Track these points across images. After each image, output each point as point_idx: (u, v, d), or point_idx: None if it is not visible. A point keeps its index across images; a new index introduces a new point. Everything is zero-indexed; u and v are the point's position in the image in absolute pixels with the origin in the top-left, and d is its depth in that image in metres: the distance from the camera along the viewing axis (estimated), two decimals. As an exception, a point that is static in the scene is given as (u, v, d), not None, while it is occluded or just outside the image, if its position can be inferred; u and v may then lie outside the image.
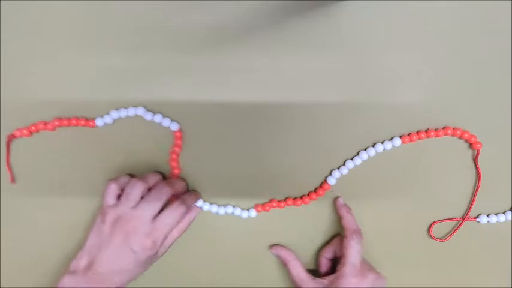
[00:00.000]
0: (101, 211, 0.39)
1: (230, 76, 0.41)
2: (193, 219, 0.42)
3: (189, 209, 0.40)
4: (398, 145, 0.42)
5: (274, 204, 0.43)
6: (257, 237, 0.44)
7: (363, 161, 0.42)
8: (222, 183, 0.44)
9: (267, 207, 0.43)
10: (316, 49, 0.40)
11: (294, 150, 0.43)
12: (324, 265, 0.43)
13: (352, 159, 0.42)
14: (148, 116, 0.42)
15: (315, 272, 0.43)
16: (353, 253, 0.39)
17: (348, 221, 0.41)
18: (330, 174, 0.43)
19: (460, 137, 0.42)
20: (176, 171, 0.43)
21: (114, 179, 0.39)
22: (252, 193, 0.44)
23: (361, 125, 0.42)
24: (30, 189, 0.44)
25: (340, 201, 0.43)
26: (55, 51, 0.41)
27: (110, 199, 0.38)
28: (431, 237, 0.44)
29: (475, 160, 0.42)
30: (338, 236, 0.44)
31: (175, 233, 0.40)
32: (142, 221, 0.36)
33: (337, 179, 0.43)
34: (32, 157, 0.43)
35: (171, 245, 0.41)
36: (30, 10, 0.40)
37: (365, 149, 0.42)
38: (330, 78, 0.41)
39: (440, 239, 0.44)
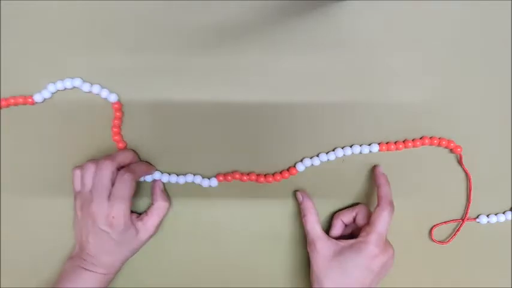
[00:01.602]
0: (74, 198, 0.40)
1: (230, 76, 0.41)
2: (169, 201, 0.42)
3: (135, 174, 0.39)
4: (375, 151, 0.42)
5: (237, 176, 0.43)
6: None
7: (339, 160, 0.42)
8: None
9: (229, 178, 0.43)
10: (316, 49, 0.40)
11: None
12: (339, 227, 0.42)
13: (327, 153, 0.42)
14: (86, 87, 0.41)
15: None
16: (383, 223, 0.38)
17: (385, 190, 0.40)
18: (301, 161, 0.43)
19: (439, 145, 0.42)
20: (121, 145, 0.42)
21: (79, 165, 0.39)
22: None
23: (359, 125, 0.42)
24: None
25: (380, 169, 0.42)
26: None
27: (76, 185, 0.39)
28: (432, 240, 0.44)
29: (460, 163, 0.42)
30: (361, 204, 0.42)
31: (156, 218, 0.41)
32: (98, 201, 0.37)
33: (306, 167, 0.42)
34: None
35: (155, 230, 0.41)
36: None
37: (342, 148, 0.42)
38: (330, 78, 0.41)
39: (442, 241, 0.44)
